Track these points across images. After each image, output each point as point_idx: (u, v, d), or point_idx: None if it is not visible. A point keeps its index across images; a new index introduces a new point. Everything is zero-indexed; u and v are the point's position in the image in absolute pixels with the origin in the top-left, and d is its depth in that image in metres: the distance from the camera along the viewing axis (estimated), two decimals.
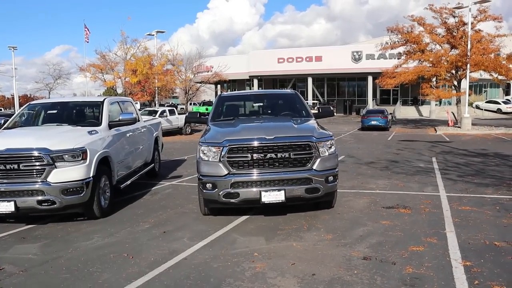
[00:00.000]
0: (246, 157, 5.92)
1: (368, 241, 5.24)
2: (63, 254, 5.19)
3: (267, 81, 52.24)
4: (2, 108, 65.85)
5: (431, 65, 26.84)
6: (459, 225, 5.83)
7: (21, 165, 6.06)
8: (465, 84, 27.20)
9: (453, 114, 29.30)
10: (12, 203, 6.01)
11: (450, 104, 41.33)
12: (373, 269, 4.35)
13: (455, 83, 27.85)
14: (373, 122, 26.63)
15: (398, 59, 28.81)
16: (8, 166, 6.06)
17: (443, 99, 38.06)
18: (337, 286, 3.97)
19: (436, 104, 42.51)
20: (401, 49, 28.25)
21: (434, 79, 29.30)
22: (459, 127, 26.38)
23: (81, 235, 5.96)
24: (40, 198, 6.05)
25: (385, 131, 25.66)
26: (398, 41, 27.84)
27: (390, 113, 31.28)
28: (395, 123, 33.21)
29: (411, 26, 27.20)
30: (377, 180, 9.36)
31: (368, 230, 5.70)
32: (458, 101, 28.43)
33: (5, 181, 6.09)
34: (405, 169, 10.80)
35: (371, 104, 44.72)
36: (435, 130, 26.03)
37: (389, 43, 28.24)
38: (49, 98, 36.90)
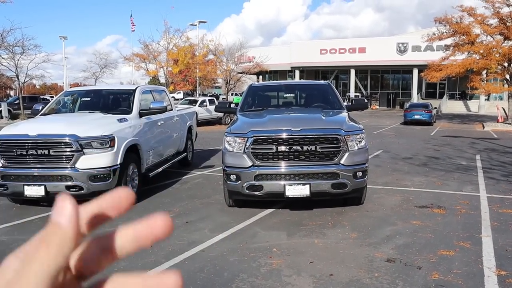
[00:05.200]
0: (271, 149, 5.76)
1: (395, 242, 4.96)
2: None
3: (309, 72, 51.50)
4: (54, 96, 68.85)
5: (480, 57, 25.45)
6: (498, 229, 5.42)
7: (51, 151, 6.19)
8: None
9: (504, 109, 27.69)
10: (43, 187, 6.16)
11: (501, 99, 39.14)
12: (396, 272, 4.09)
13: (507, 76, 26.25)
14: (416, 116, 25.64)
15: (446, 51, 27.49)
16: (39, 151, 6.21)
17: (493, 94, 36.14)
18: None
19: (485, 99, 40.41)
20: (449, 41, 26.94)
21: (484, 72, 27.76)
22: (510, 124, 24.94)
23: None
24: (68, 183, 6.17)
25: (428, 126, 24.66)
26: (446, 32, 26.53)
27: (435, 107, 30.01)
28: (440, 118, 31.85)
29: (460, 16, 25.83)
30: (413, 177, 8.94)
31: (396, 230, 5.41)
32: (510, 96, 26.84)
33: (38, 165, 6.25)
34: (444, 166, 10.26)
35: (415, 98, 43.13)
36: (483, 126, 24.74)
37: (436, 34, 26.98)
38: (95, 86, 38.12)
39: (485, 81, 28.00)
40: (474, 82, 26.64)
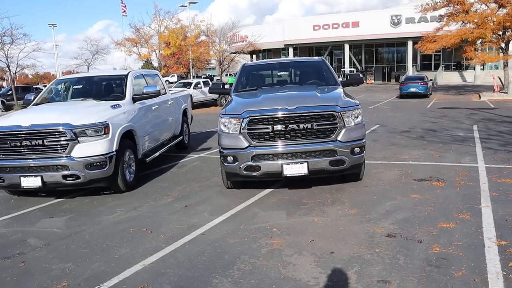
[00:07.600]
0: (267, 128, 5.69)
1: (395, 217, 4.96)
2: (85, 228, 5.24)
3: (303, 49, 51.05)
4: (47, 85, 68.13)
5: (475, 26, 25.18)
6: (497, 199, 5.41)
7: (45, 141, 6.12)
8: None
9: (500, 79, 27.59)
10: (39, 178, 6.11)
11: (497, 68, 39.03)
12: (397, 247, 4.09)
13: (503, 45, 26.07)
14: (412, 89, 25.57)
15: (440, 21, 27.19)
16: (33, 142, 6.14)
17: (489, 63, 35.95)
18: (355, 265, 3.76)
19: (481, 69, 40.26)
20: (443, 11, 26.62)
21: (479, 42, 27.54)
22: (506, 93, 24.88)
23: (105, 209, 6.00)
24: (65, 172, 6.12)
25: (425, 99, 24.61)
26: (440, 1, 26.19)
27: (431, 79, 29.87)
28: (436, 89, 31.77)
29: None
30: (411, 150, 8.92)
31: (396, 205, 5.40)
32: (506, 65, 26.69)
33: (33, 156, 6.18)
34: (442, 139, 10.24)
35: (411, 71, 42.91)
36: (479, 96, 24.68)
37: (430, 5, 26.64)
38: (86, 73, 37.66)
39: (479, 51, 27.80)
40: (468, 52, 26.44)
